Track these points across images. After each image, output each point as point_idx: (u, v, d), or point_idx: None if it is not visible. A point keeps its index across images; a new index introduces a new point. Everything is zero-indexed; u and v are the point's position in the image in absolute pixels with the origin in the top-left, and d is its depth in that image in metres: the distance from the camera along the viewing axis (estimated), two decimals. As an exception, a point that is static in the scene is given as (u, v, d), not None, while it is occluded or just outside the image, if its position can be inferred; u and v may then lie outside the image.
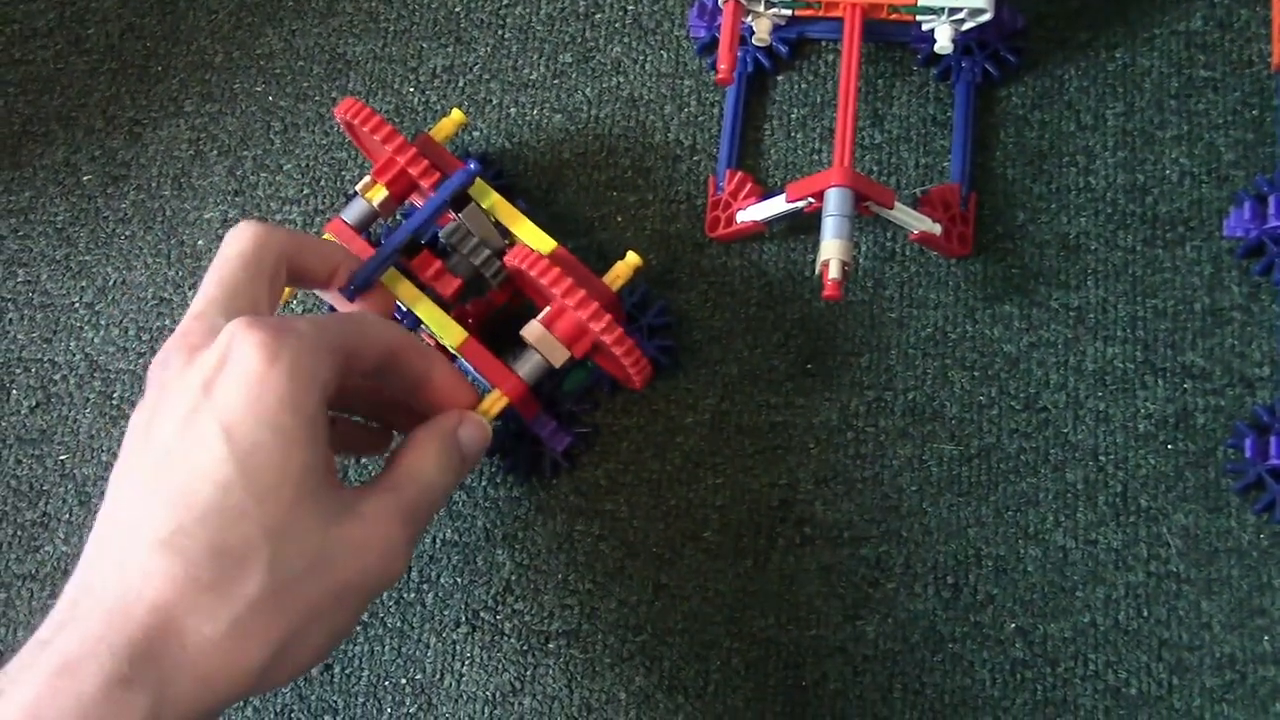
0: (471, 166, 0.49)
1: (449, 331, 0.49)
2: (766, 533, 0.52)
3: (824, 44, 0.59)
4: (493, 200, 0.51)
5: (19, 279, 0.60)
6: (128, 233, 0.60)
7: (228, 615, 0.35)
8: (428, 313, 0.49)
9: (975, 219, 0.55)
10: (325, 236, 0.51)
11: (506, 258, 0.49)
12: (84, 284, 0.59)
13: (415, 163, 0.50)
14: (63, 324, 0.59)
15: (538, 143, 0.58)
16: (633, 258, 0.50)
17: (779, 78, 0.58)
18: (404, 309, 0.50)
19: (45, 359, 0.58)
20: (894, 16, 0.54)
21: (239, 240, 0.42)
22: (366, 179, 0.52)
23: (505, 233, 0.51)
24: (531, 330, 0.48)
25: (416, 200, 0.54)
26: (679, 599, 0.51)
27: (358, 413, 0.49)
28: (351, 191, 0.52)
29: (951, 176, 0.55)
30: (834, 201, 0.49)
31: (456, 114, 0.54)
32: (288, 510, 0.36)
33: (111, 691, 0.33)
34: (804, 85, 0.58)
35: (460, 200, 0.50)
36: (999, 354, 0.53)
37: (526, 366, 0.48)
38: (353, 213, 0.52)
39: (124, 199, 0.60)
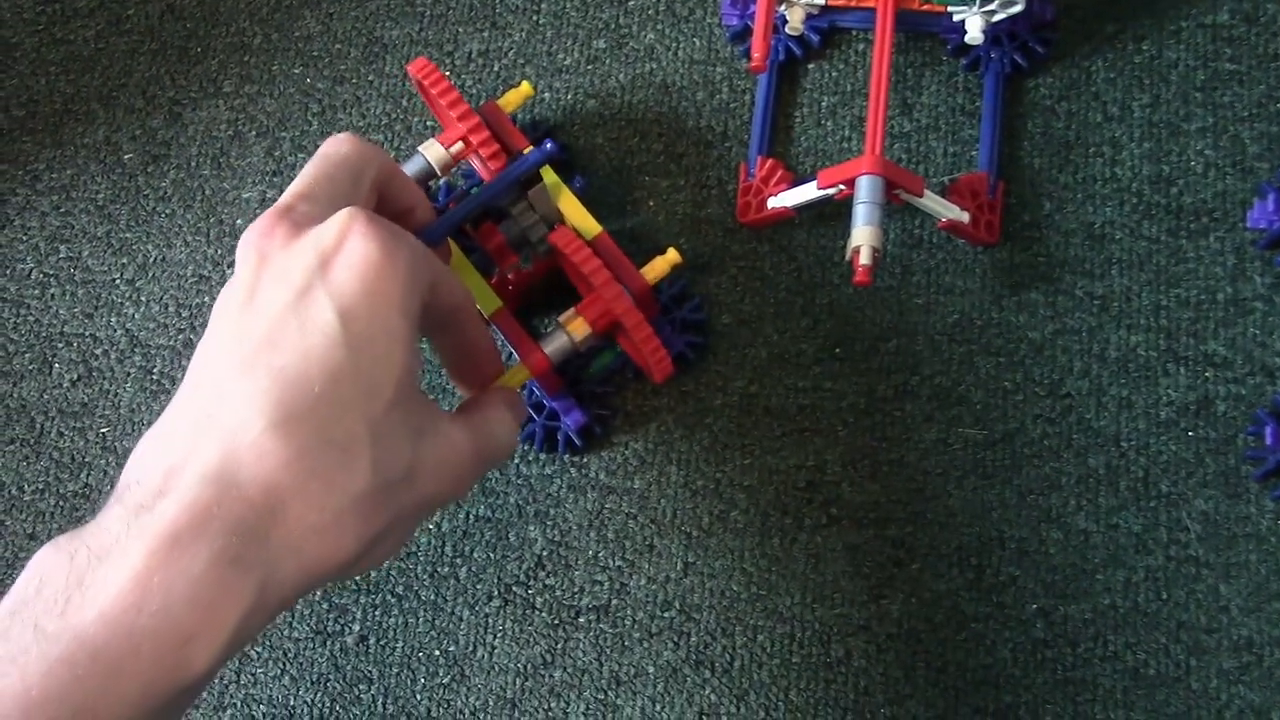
0: (549, 147, 0.50)
1: (486, 299, 0.51)
2: (794, 513, 0.53)
3: (854, 33, 0.59)
4: (551, 178, 0.52)
5: (61, 255, 0.61)
6: (167, 210, 0.61)
7: (334, 505, 0.34)
8: (469, 277, 0.51)
9: (1002, 208, 0.55)
10: None
11: (552, 235, 0.50)
12: (124, 261, 0.60)
13: (477, 131, 0.51)
14: (104, 300, 0.60)
15: (571, 127, 0.59)
16: (673, 254, 0.51)
17: (809, 66, 0.59)
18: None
19: (87, 334, 0.59)
20: (925, 7, 0.55)
21: (341, 145, 0.41)
22: (431, 140, 0.52)
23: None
24: (565, 315, 0.50)
25: (475, 161, 0.55)
26: (707, 576, 0.53)
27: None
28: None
29: (979, 165, 0.56)
30: (865, 189, 0.50)
31: (525, 86, 0.55)
32: (388, 412, 0.35)
33: (224, 569, 0.33)
34: (834, 74, 0.59)
35: (530, 178, 0.51)
36: (1024, 341, 0.54)
37: (553, 345, 0.50)
38: (412, 167, 0.53)
39: (164, 178, 0.61)
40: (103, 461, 0.58)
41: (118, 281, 0.60)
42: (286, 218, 0.37)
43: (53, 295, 0.60)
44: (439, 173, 0.52)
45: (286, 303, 0.36)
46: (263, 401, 0.34)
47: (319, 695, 0.53)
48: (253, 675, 0.53)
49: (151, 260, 0.60)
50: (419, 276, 0.38)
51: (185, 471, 0.34)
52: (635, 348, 0.50)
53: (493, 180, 0.49)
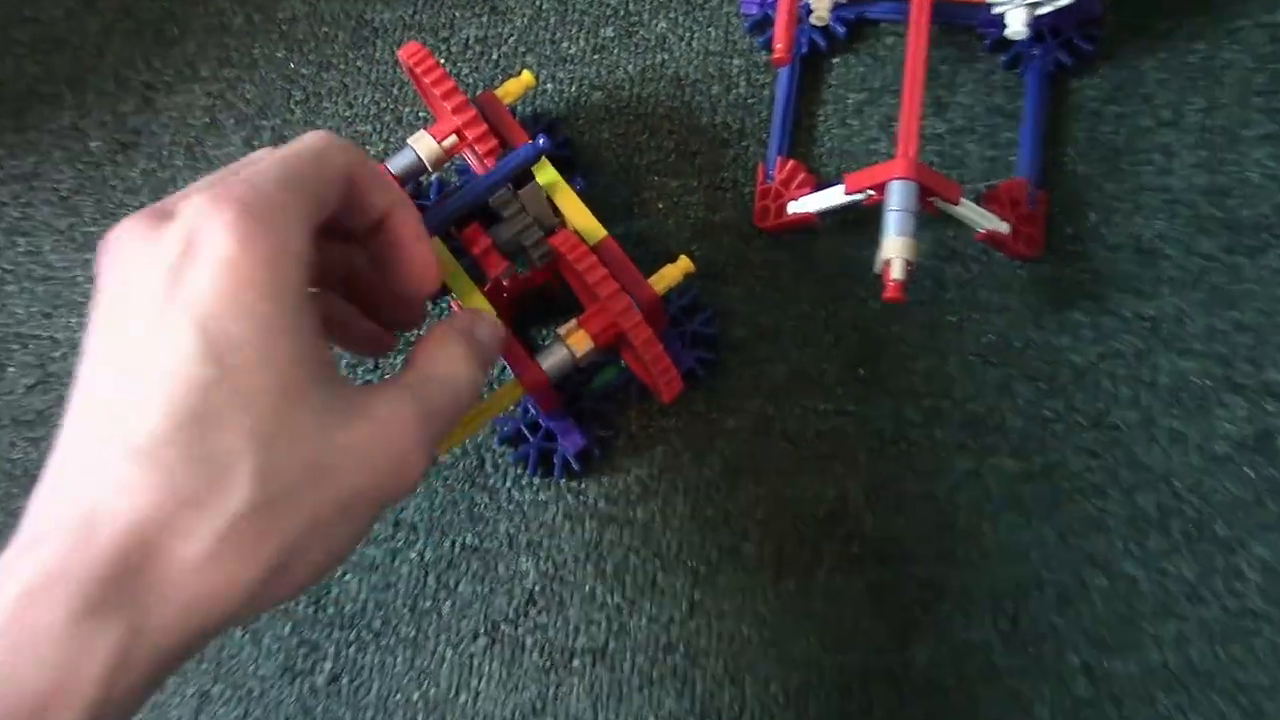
0: (540, 142, 0.45)
1: (478, 306, 0.46)
2: (811, 548, 0.48)
3: (884, 26, 0.55)
4: (551, 177, 0.47)
5: (19, 249, 0.56)
6: (136, 203, 0.56)
7: (211, 532, 0.30)
8: (460, 283, 0.46)
9: (1044, 219, 0.51)
10: None
11: (553, 239, 0.45)
12: (88, 257, 0.55)
13: (473, 125, 0.47)
14: (64, 299, 0.55)
15: (575, 121, 0.55)
16: (684, 262, 0.47)
17: (834, 60, 0.55)
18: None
19: (45, 335, 0.55)
20: (964, -2, 0.51)
21: (313, 139, 0.36)
22: (421, 132, 0.48)
23: (558, 211, 0.47)
24: (566, 328, 0.45)
25: (469, 155, 0.50)
26: (715, 617, 0.48)
27: (352, 297, 0.43)
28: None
29: (1019, 172, 0.51)
30: (897, 195, 0.45)
31: (526, 76, 0.50)
32: (277, 411, 0.32)
33: (79, 623, 0.29)
34: (861, 69, 0.54)
35: (521, 175, 0.46)
36: (1066, 365, 0.49)
37: (551, 359, 0.45)
38: (400, 162, 0.48)
39: (133, 167, 0.57)
40: (57, 476, 0.53)
41: (80, 279, 0.55)
42: (143, 220, 0.33)
43: (9, 293, 0.56)
44: (429, 168, 0.48)
45: (145, 324, 0.32)
46: (125, 429, 0.31)
47: (286, 739, 0.48)
48: (213, 716, 0.49)
49: (117, 257, 0.55)
50: (292, 235, 0.33)
51: (49, 520, 0.30)
52: (642, 364, 0.45)
53: (478, 178, 0.45)
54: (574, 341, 0.45)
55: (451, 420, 0.37)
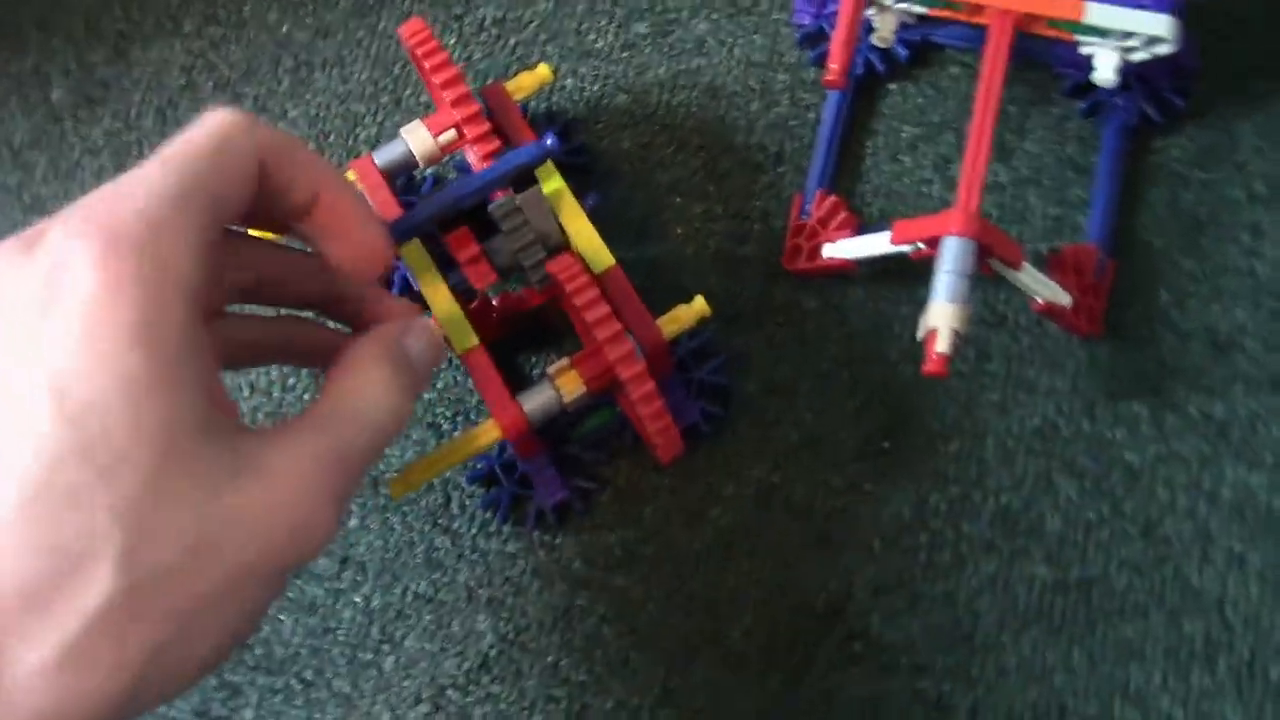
0: (548, 143, 0.39)
1: (459, 332, 0.40)
2: (806, 643, 0.42)
3: (950, 53, 0.49)
4: (557, 187, 0.41)
5: (-39, 203, 0.50)
6: (95, 166, 0.50)
7: (58, 637, 0.26)
8: (439, 300, 0.40)
9: (1110, 292, 0.45)
10: (347, 175, 0.42)
11: (551, 263, 0.39)
12: (34, 218, 0.49)
13: (474, 122, 0.41)
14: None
15: (594, 125, 0.49)
16: (699, 304, 0.41)
17: (892, 86, 0.48)
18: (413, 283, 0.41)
19: None
20: (1049, 32, 0.44)
21: (213, 122, 0.30)
22: (417, 122, 0.42)
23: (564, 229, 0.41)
24: (557, 366, 0.39)
25: (469, 154, 0.44)
26: (689, 710, 0.42)
27: (280, 298, 0.36)
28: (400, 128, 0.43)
29: (1088, 236, 0.45)
30: (953, 255, 0.39)
31: (543, 69, 0.44)
32: (147, 482, 0.26)
33: None
34: (920, 100, 0.48)
35: (523, 179, 0.40)
36: (1118, 464, 0.43)
37: (535, 401, 0.39)
38: (388, 154, 0.42)
39: (96, 125, 0.51)
40: None
41: (24, 244, 0.49)
42: (10, 249, 0.28)
43: (-55, 250, 0.50)
44: (421, 164, 0.42)
45: None
46: None
47: (192, 794, 0.43)
48: (114, 759, 0.43)
49: (68, 223, 0.49)
50: (179, 264, 0.27)
51: None
52: (639, 418, 0.39)
53: (471, 175, 0.39)
54: (564, 384, 0.39)
55: (370, 462, 0.31)
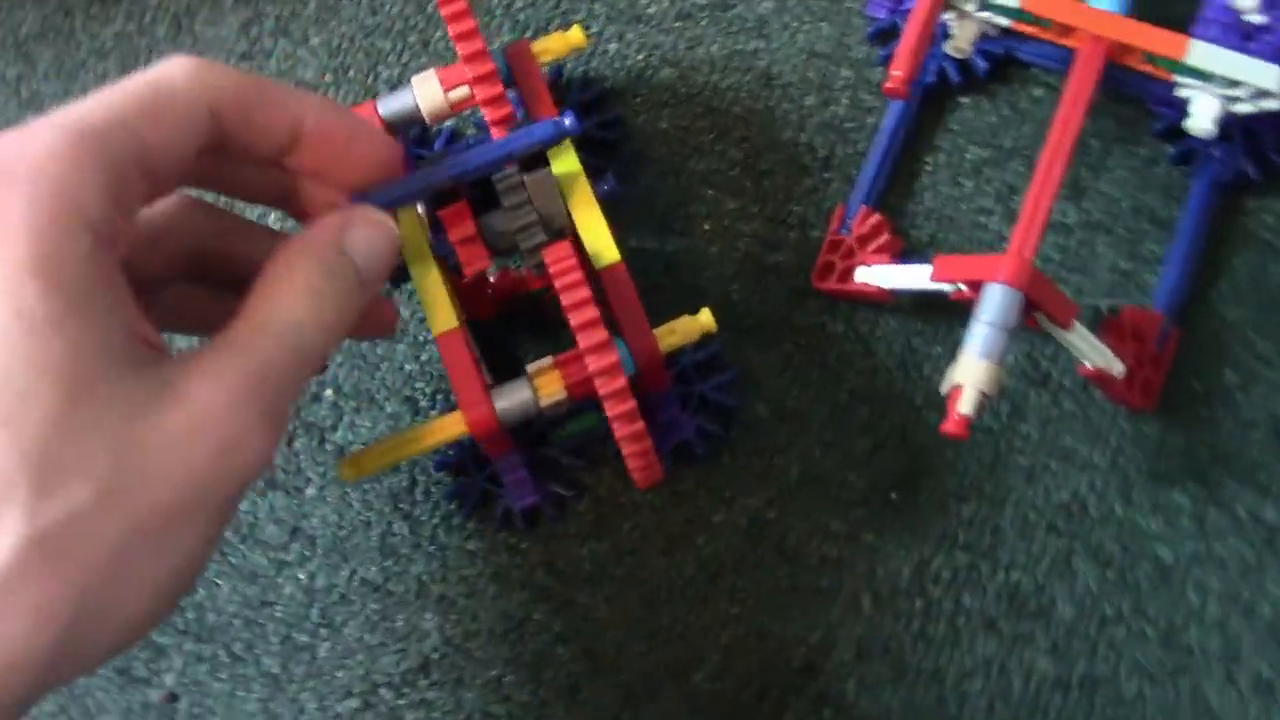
0: (565, 123, 0.35)
1: (438, 310, 0.36)
2: (775, 699, 0.39)
3: (1034, 72, 0.44)
4: (569, 166, 0.37)
5: (-41, 88, 0.47)
6: (100, 69, 0.47)
7: None
8: (423, 273, 0.36)
9: (1169, 365, 0.40)
10: None
11: (547, 249, 0.35)
12: (30, 115, 0.46)
13: (486, 83, 0.37)
14: None
15: (633, 98, 0.44)
16: (705, 318, 0.36)
17: (964, 100, 0.44)
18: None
19: None
20: (1145, 67, 0.39)
21: (163, 67, 0.29)
22: (430, 72, 0.38)
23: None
24: (538, 365, 0.35)
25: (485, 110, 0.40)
26: (636, 752, 0.39)
27: (233, 275, 0.34)
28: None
29: (1155, 301, 0.41)
30: (994, 306, 0.34)
31: (576, 33, 0.40)
32: (54, 421, 0.25)
33: None
34: (993, 119, 0.43)
35: (533, 158, 0.36)
36: (1148, 557, 0.39)
37: (508, 399, 0.35)
38: (393, 104, 0.38)
39: (109, 25, 0.47)
40: None
41: (15, 141, 0.46)
42: None
43: (-67, 136, 0.47)
44: (427, 120, 0.38)
45: None
46: None
47: (98, 756, 0.40)
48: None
49: (64, 126, 0.46)
50: (79, 198, 0.26)
51: None
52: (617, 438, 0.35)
53: (477, 149, 0.35)
54: (543, 385, 0.35)
55: (299, 378, 0.29)
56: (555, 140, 0.35)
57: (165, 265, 0.32)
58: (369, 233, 0.31)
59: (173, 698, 0.40)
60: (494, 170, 0.35)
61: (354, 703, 0.40)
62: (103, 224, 0.26)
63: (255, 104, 0.29)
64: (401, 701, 0.40)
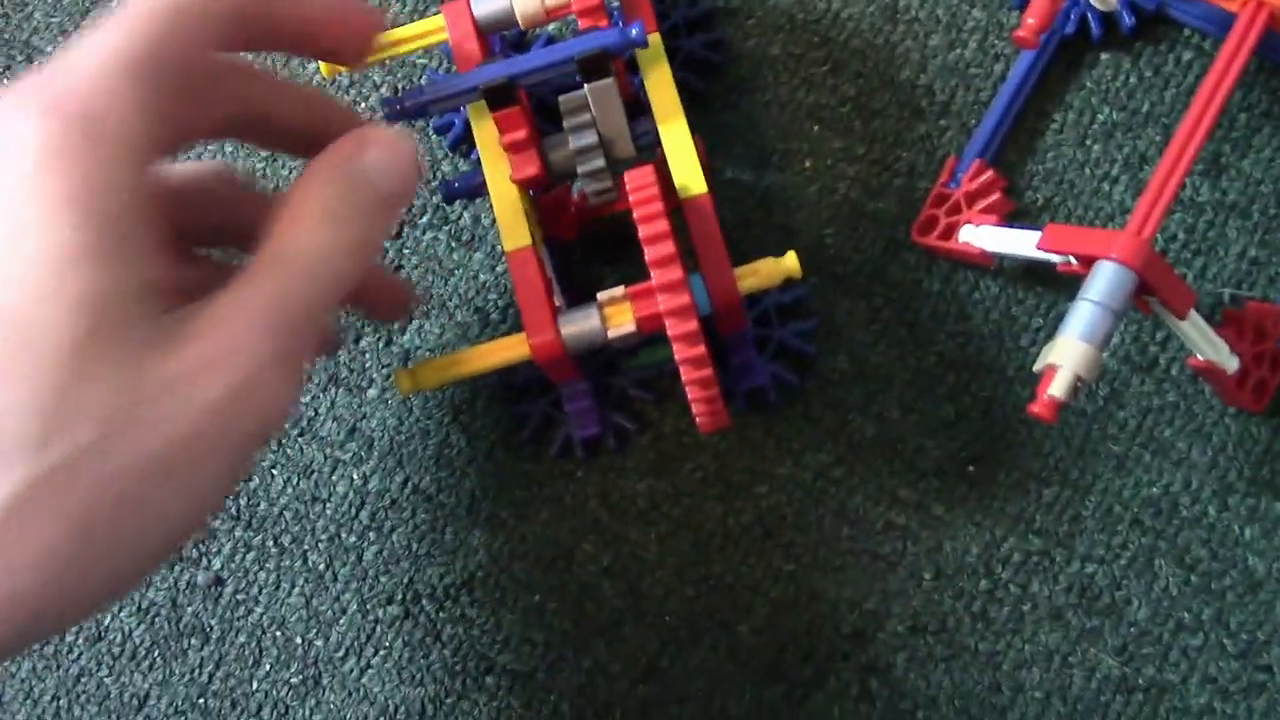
0: (633, 33, 0.33)
1: (512, 225, 0.35)
2: (819, 663, 0.37)
3: (1186, 34, 0.40)
4: (659, 82, 0.35)
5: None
6: None
7: None
8: (498, 185, 0.35)
9: (1291, 366, 0.37)
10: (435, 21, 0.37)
11: (630, 175, 0.33)
12: None
13: None
14: (90, 21, 0.46)
15: (745, 20, 0.42)
16: (790, 261, 0.34)
17: (1103, 56, 0.40)
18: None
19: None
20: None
21: None
22: None
23: (658, 141, 0.35)
24: (609, 295, 0.34)
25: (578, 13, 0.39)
26: (671, 697, 0.38)
27: (267, 136, 0.34)
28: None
29: (1284, 294, 0.37)
30: (1104, 284, 0.32)
31: None
32: (70, 357, 0.24)
33: None
34: (1133, 80, 0.40)
35: (594, 66, 0.34)
36: (1239, 565, 0.36)
37: (576, 326, 0.34)
38: (487, 5, 0.37)
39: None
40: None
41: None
42: None
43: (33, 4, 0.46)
44: (521, 24, 0.36)
45: None
46: None
47: (141, 629, 0.40)
48: (73, 570, 0.41)
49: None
50: (131, 132, 0.26)
51: None
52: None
53: (537, 51, 0.33)
54: (612, 315, 0.34)
55: (321, 308, 0.28)
56: (621, 49, 0.33)
57: (196, 219, 0.32)
58: (385, 151, 0.29)
59: (218, 582, 0.40)
60: (551, 73, 0.33)
61: (395, 609, 0.39)
62: (149, 152, 0.26)
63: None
64: (442, 614, 0.39)
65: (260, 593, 0.40)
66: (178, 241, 0.31)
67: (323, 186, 0.28)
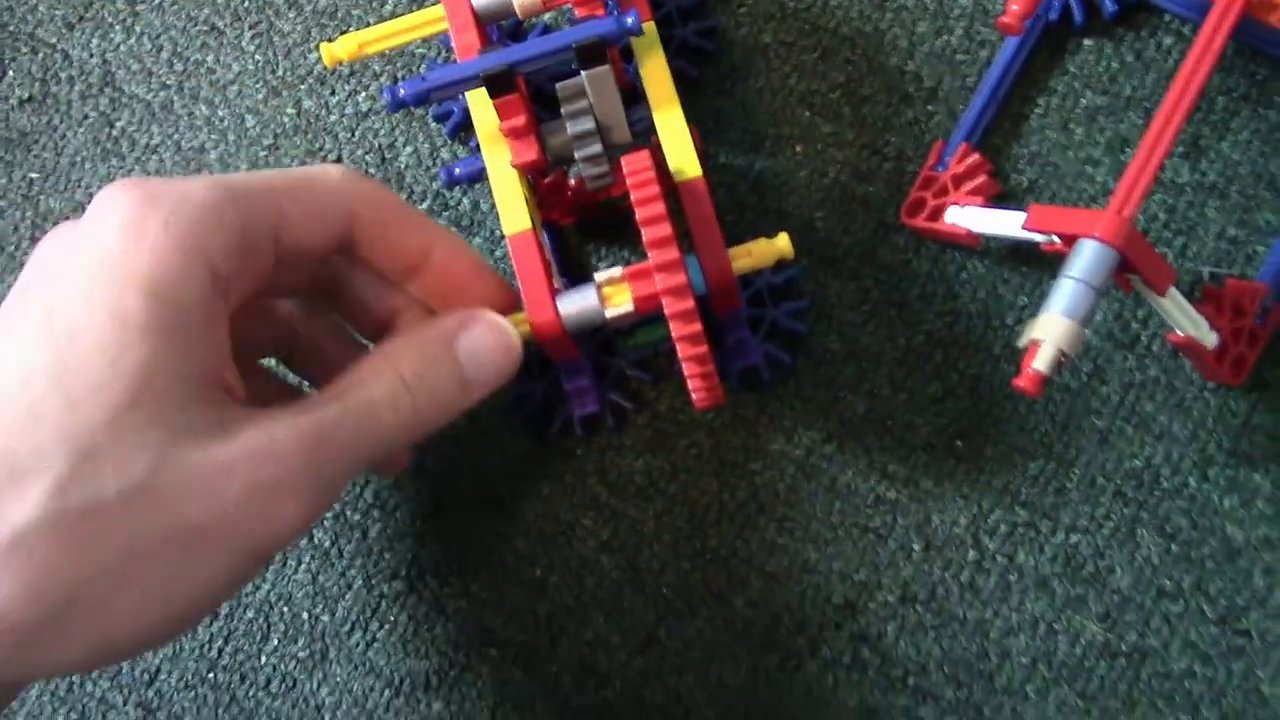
0: (629, 22, 0.34)
1: (512, 210, 0.36)
2: (813, 633, 0.38)
3: (1167, 20, 0.41)
4: (654, 69, 0.36)
5: (71, -63, 0.47)
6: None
7: None
8: (498, 170, 0.36)
9: (1267, 343, 0.38)
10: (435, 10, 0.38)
11: (627, 159, 0.34)
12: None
13: None
14: (93, 13, 0.46)
15: (737, 8, 0.43)
16: (782, 242, 0.35)
17: (1086, 42, 0.42)
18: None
19: (59, 47, 0.46)
20: (1287, 23, 0.37)
21: (317, 167, 0.32)
22: None
23: (650, 130, 0.36)
24: (607, 275, 0.35)
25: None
26: (669, 666, 0.39)
27: (308, 367, 0.37)
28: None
29: (1262, 273, 0.39)
30: (1086, 261, 0.33)
31: None
32: (111, 417, 0.26)
33: None
34: (1115, 65, 0.41)
35: (590, 54, 0.35)
36: (1217, 534, 0.38)
37: (574, 305, 0.35)
38: None
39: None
40: (17, 212, 0.45)
41: (120, -4, 0.47)
42: (66, 222, 0.30)
43: (43, -15, 0.47)
44: (519, 14, 0.37)
45: (11, 307, 0.28)
46: None
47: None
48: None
49: (169, -16, 0.46)
50: (206, 237, 0.28)
51: None
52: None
53: (535, 40, 0.34)
54: (610, 295, 0.35)
55: (360, 461, 0.29)
56: (616, 37, 0.34)
57: (270, 343, 0.35)
58: (485, 336, 0.32)
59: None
60: (549, 60, 0.34)
61: (399, 585, 0.40)
62: (222, 271, 0.28)
63: (392, 220, 0.32)
64: (446, 590, 0.40)
65: (268, 569, 0.41)
66: (244, 347, 0.32)
67: (405, 350, 0.30)
